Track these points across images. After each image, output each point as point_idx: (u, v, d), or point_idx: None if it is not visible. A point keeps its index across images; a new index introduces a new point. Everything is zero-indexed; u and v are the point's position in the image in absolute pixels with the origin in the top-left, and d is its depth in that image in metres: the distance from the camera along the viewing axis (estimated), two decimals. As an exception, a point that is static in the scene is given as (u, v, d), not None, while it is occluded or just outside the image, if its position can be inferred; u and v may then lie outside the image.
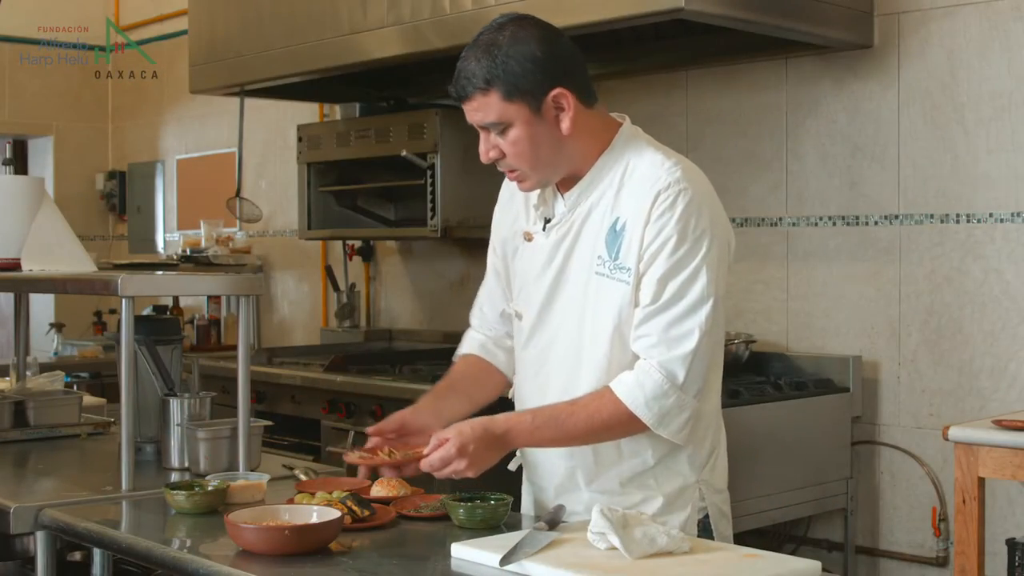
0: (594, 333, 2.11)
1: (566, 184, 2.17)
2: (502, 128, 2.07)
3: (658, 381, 2.03)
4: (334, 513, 2.01)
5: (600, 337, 2.11)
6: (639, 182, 2.08)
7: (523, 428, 2.09)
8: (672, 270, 2.04)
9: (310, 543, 1.93)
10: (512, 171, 2.13)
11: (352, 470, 3.04)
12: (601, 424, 2.06)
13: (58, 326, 6.39)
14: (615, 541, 1.80)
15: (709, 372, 2.10)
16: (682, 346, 2.03)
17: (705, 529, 2.18)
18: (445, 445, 2.03)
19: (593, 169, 2.14)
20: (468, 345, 2.44)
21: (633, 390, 2.04)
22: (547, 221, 2.20)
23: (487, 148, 2.11)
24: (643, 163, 2.10)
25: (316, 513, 2.03)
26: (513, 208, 2.30)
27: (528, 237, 2.24)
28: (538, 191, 2.21)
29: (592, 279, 2.12)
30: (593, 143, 2.13)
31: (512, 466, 2.32)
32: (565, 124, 2.07)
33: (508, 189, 2.32)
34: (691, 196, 2.04)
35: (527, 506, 2.34)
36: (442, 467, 2.03)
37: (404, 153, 4.44)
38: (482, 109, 2.07)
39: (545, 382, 2.20)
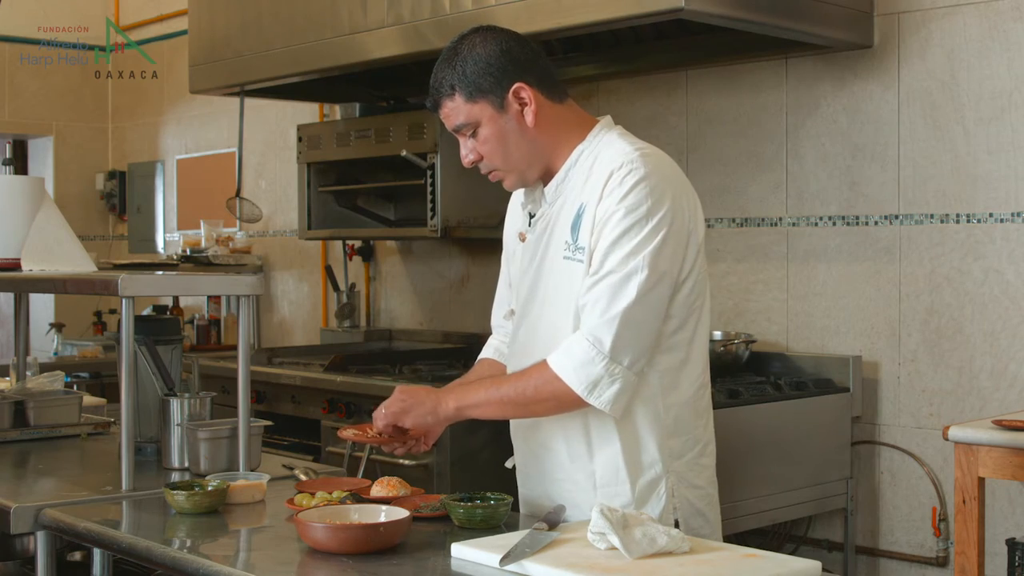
0: (567, 316, 2.14)
1: (548, 181, 2.22)
2: (473, 129, 2.17)
3: (584, 348, 2.05)
4: (402, 512, 2.01)
5: (572, 320, 2.13)
6: (601, 168, 2.13)
7: (460, 385, 2.25)
8: (615, 242, 2.06)
9: (391, 539, 1.95)
10: (491, 172, 2.22)
11: (352, 469, 3.05)
12: (533, 391, 2.09)
13: (58, 326, 6.39)
14: (615, 541, 1.80)
15: (681, 361, 2.13)
16: (609, 311, 2.04)
17: (675, 525, 2.17)
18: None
19: (567, 162, 2.19)
20: (484, 350, 2.51)
21: (562, 358, 2.07)
22: (532, 217, 2.26)
23: (465, 152, 2.21)
24: (609, 151, 2.15)
25: (384, 513, 2.03)
26: (515, 214, 2.37)
27: (522, 238, 2.29)
28: (527, 192, 2.27)
29: (562, 264, 2.16)
30: (567, 137, 2.19)
31: (509, 464, 2.33)
32: (529, 117, 2.15)
33: (516, 196, 2.37)
34: (642, 173, 2.07)
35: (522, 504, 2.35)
36: (385, 413, 2.17)
37: (404, 153, 4.44)
38: (452, 114, 2.17)
39: None
